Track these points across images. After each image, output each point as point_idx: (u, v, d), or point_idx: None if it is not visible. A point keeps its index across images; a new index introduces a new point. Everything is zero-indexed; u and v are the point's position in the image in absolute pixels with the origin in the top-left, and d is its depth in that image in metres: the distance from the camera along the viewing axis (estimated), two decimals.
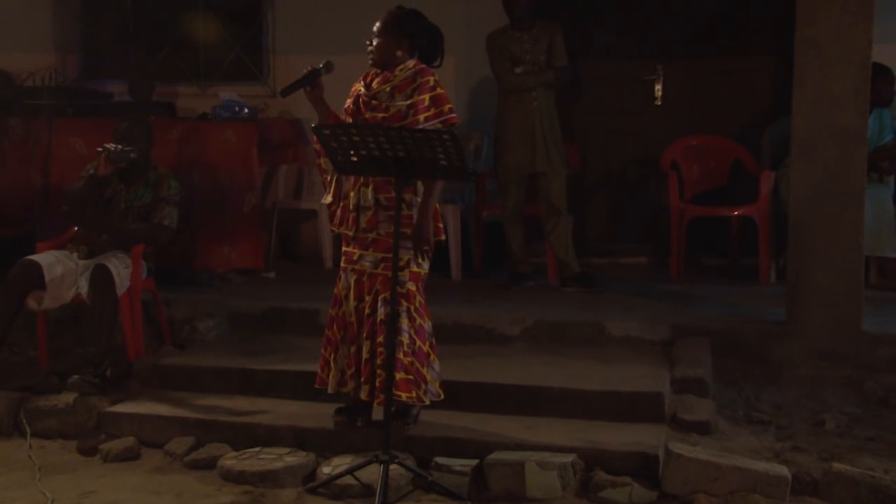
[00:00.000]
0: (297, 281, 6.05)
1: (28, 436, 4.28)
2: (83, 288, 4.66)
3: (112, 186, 4.96)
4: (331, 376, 3.99)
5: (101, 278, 4.59)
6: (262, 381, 4.49)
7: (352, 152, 3.59)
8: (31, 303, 4.70)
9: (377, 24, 3.90)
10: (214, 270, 5.88)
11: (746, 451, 3.87)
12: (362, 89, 3.92)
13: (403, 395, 3.82)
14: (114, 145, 4.75)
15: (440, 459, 3.77)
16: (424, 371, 3.90)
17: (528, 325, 4.91)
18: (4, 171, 5.94)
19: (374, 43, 3.89)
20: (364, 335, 3.89)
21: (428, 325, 3.96)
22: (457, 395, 4.07)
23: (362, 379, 3.89)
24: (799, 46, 4.51)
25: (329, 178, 3.97)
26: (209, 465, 3.95)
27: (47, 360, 4.84)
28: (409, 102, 3.81)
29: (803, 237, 4.58)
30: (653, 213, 6.52)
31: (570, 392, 4.17)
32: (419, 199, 3.85)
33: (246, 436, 4.09)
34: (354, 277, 3.92)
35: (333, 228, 4.00)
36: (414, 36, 3.90)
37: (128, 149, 4.77)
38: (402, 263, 3.82)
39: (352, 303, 3.92)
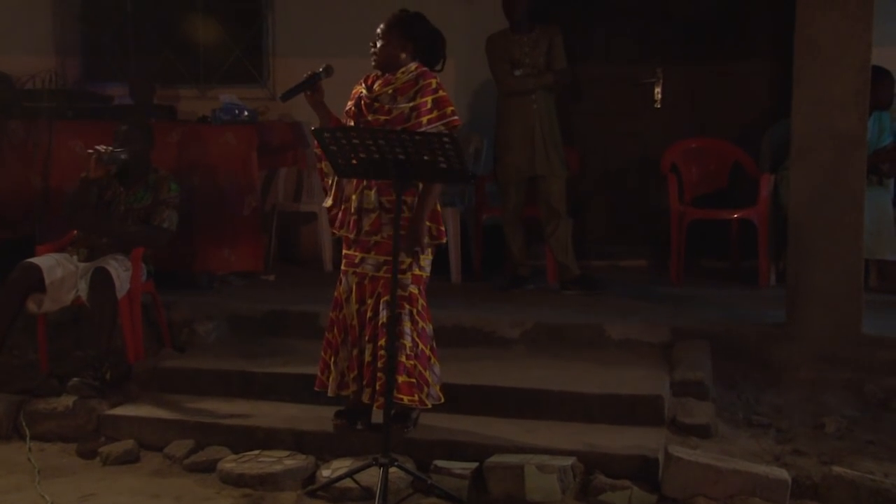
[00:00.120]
0: (296, 284, 6.05)
1: (28, 439, 4.28)
2: (83, 291, 4.66)
3: (112, 189, 4.97)
4: (331, 379, 3.99)
5: (101, 281, 4.59)
6: (262, 383, 4.49)
7: (352, 155, 3.59)
8: (31, 305, 4.70)
9: (381, 26, 3.91)
10: (214, 273, 5.88)
11: (746, 455, 3.87)
12: (364, 91, 3.92)
13: (406, 399, 3.82)
14: (105, 147, 4.74)
15: (440, 462, 3.77)
16: (426, 374, 3.90)
17: (528, 328, 4.91)
18: (4, 174, 5.94)
19: (378, 45, 3.90)
20: (366, 338, 3.89)
21: (429, 329, 3.96)
22: (456, 398, 4.07)
23: (364, 382, 3.90)
24: (798, 49, 4.52)
25: (330, 181, 3.97)
26: (209, 468, 3.95)
27: (47, 363, 4.84)
28: (411, 105, 3.81)
29: (803, 240, 4.58)
30: (652, 215, 6.52)
31: (570, 395, 4.17)
32: None
33: (245, 439, 4.09)
34: (356, 280, 3.92)
35: (334, 231, 4.00)
36: (418, 39, 3.91)
37: (118, 150, 4.76)
38: (404, 266, 3.82)
39: (353, 306, 3.92)
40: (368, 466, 3.62)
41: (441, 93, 3.84)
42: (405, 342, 3.83)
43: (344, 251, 3.99)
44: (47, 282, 4.65)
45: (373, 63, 3.93)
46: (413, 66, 3.89)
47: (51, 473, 3.98)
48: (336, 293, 3.99)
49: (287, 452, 3.96)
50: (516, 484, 3.63)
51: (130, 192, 4.96)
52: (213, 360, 4.78)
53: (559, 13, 6.33)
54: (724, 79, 6.61)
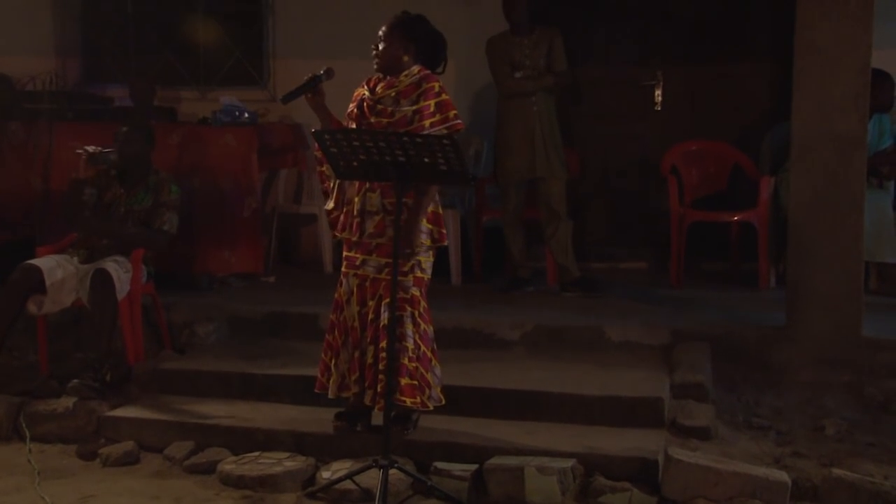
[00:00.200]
0: (296, 285, 6.05)
1: (28, 440, 4.28)
2: (83, 292, 4.66)
3: (112, 190, 4.97)
4: (332, 381, 3.98)
5: (101, 282, 4.59)
6: (262, 385, 4.49)
7: (352, 157, 3.59)
8: (32, 307, 4.70)
9: (383, 28, 3.91)
10: (214, 274, 5.89)
11: (746, 457, 3.87)
12: (366, 94, 3.92)
13: (408, 401, 3.82)
14: (94, 147, 4.73)
15: (440, 464, 3.77)
16: (428, 376, 3.90)
17: (528, 330, 4.91)
18: (5, 175, 5.95)
19: (380, 47, 3.90)
20: (367, 340, 3.89)
21: (430, 331, 3.96)
22: (456, 400, 4.06)
23: (366, 384, 3.90)
24: (798, 51, 4.52)
25: (331, 184, 3.97)
26: (208, 469, 3.95)
27: (47, 364, 4.84)
28: (414, 108, 3.81)
29: (803, 242, 4.58)
30: (652, 217, 6.52)
31: (570, 397, 4.17)
32: None
33: (245, 440, 4.09)
34: (357, 282, 3.92)
35: (336, 234, 4.00)
36: (419, 40, 3.91)
37: (107, 150, 4.75)
38: (406, 269, 3.82)
39: (354, 308, 3.92)
40: (368, 468, 3.62)
41: (444, 96, 3.84)
42: (407, 344, 3.83)
43: (345, 253, 3.98)
44: (48, 283, 4.66)
45: (375, 65, 3.93)
46: (416, 68, 3.89)
47: (51, 475, 3.98)
48: (336, 295, 3.99)
49: (287, 454, 3.96)
50: (516, 486, 3.63)
51: (131, 194, 4.97)
52: (213, 361, 4.78)
53: (559, 15, 6.33)
54: (724, 81, 6.61)
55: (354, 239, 3.89)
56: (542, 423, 4.09)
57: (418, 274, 3.89)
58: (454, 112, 3.84)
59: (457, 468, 3.73)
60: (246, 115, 5.97)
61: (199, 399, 4.46)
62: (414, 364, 3.85)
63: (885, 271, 5.72)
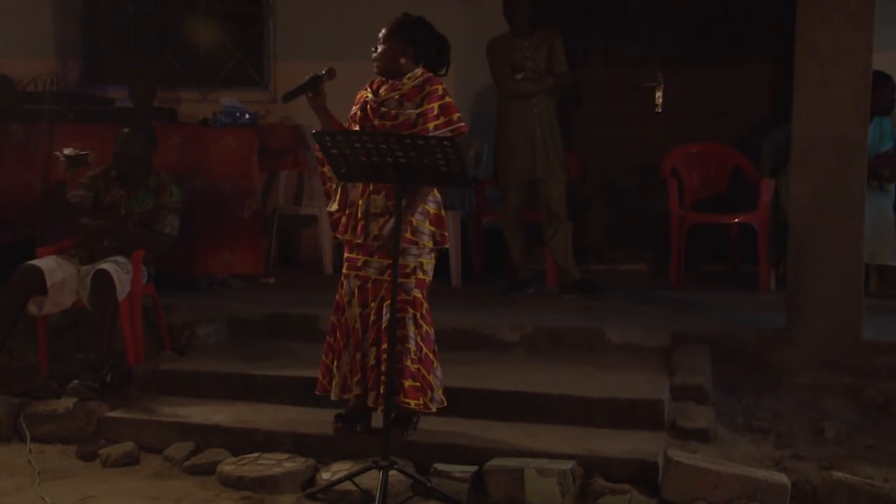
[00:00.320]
0: (296, 286, 6.05)
1: (28, 441, 4.28)
2: (83, 293, 4.66)
3: (112, 192, 4.98)
4: (334, 383, 3.98)
5: (102, 283, 4.59)
6: (262, 386, 4.49)
7: (353, 159, 3.60)
8: (32, 308, 4.70)
9: (383, 30, 3.91)
10: (214, 276, 5.89)
11: (746, 459, 3.87)
12: (370, 96, 3.92)
13: (412, 403, 3.82)
14: (70, 149, 4.72)
15: (439, 466, 3.77)
16: (430, 378, 3.90)
17: (528, 332, 4.91)
18: (5, 176, 5.95)
19: (379, 49, 3.90)
20: (369, 342, 3.89)
21: (432, 332, 3.96)
22: (456, 402, 4.06)
23: (368, 386, 3.89)
24: (799, 54, 4.52)
25: (334, 186, 3.97)
26: (208, 470, 3.95)
27: (47, 365, 4.84)
28: (418, 111, 3.81)
29: (803, 244, 4.58)
30: (653, 219, 6.52)
31: (570, 399, 4.17)
32: (425, 207, 3.86)
33: (245, 441, 4.09)
34: (358, 284, 3.92)
35: (338, 236, 3.99)
36: (419, 44, 3.91)
37: (84, 153, 4.73)
38: (408, 270, 3.83)
39: (356, 309, 3.92)
40: (368, 469, 3.62)
41: (447, 99, 3.84)
42: (409, 346, 3.83)
43: (346, 255, 3.98)
44: (48, 284, 4.66)
45: (375, 67, 3.93)
46: (419, 71, 3.89)
47: (51, 475, 3.98)
48: (337, 297, 3.99)
49: (287, 455, 3.96)
50: (516, 487, 3.63)
51: (131, 196, 4.97)
52: (212, 362, 4.78)
53: (560, 17, 6.33)
54: (725, 83, 6.61)
55: (359, 241, 3.88)
56: (542, 425, 4.09)
57: (420, 276, 3.89)
58: (458, 115, 3.85)
59: (457, 470, 3.73)
60: (246, 116, 5.97)
61: (199, 400, 4.46)
62: (416, 366, 3.85)
63: (885, 274, 5.72)
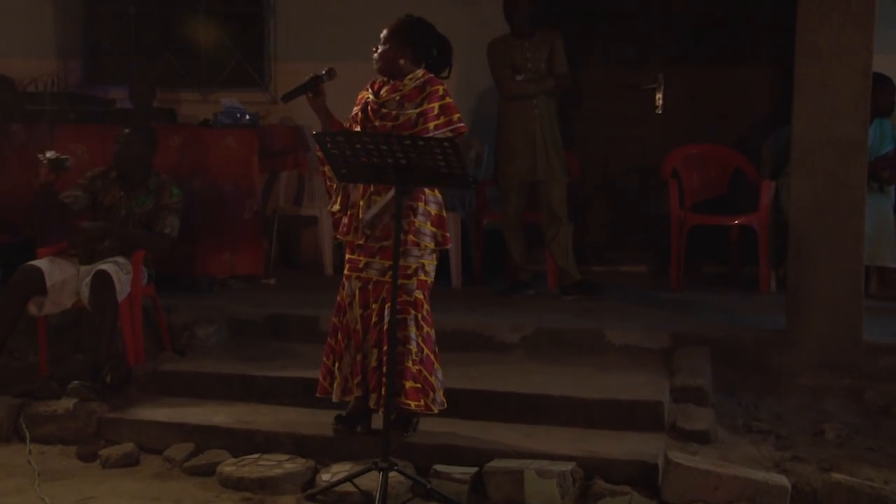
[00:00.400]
0: (297, 287, 6.05)
1: (28, 441, 4.28)
2: (84, 293, 4.66)
3: (112, 194, 4.98)
4: (335, 385, 3.97)
5: (102, 284, 4.59)
6: (262, 387, 4.49)
7: (353, 160, 3.60)
8: (32, 308, 4.70)
9: (384, 30, 3.92)
10: (215, 276, 5.89)
11: (746, 461, 3.87)
12: (370, 97, 3.92)
13: (413, 405, 3.81)
14: (52, 153, 4.72)
15: (439, 467, 3.77)
16: (431, 379, 3.90)
17: (528, 333, 4.91)
18: (6, 177, 5.95)
19: (380, 50, 3.90)
20: (371, 343, 3.89)
21: (433, 333, 3.96)
22: (456, 403, 4.06)
23: (370, 387, 3.89)
24: (799, 55, 4.52)
25: (335, 185, 3.97)
26: (208, 471, 3.95)
27: (47, 366, 4.84)
28: (418, 111, 3.81)
29: (803, 246, 4.58)
30: (653, 221, 6.52)
31: (570, 400, 4.17)
32: (427, 208, 3.86)
33: (245, 442, 4.09)
34: (359, 285, 3.92)
35: (339, 237, 4.00)
36: (418, 45, 3.91)
37: (64, 157, 4.72)
38: (409, 272, 3.83)
39: (357, 311, 3.92)
40: (368, 471, 3.62)
41: (448, 99, 3.84)
42: (411, 347, 3.83)
43: (347, 256, 3.98)
44: (48, 284, 4.66)
45: (375, 67, 3.93)
46: (420, 72, 3.89)
47: (51, 476, 3.98)
48: (339, 298, 3.98)
49: (287, 456, 3.96)
50: (516, 489, 3.63)
51: (131, 197, 4.97)
52: (213, 363, 4.78)
53: (560, 18, 6.34)
54: (725, 84, 6.61)
55: (361, 242, 3.89)
56: (542, 427, 4.09)
57: (422, 277, 3.89)
58: (458, 115, 3.85)
59: (456, 471, 3.73)
60: (247, 117, 5.97)
61: (199, 401, 4.47)
62: (417, 367, 3.85)
63: (885, 275, 5.72)
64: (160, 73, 7.06)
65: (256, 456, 3.98)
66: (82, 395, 4.42)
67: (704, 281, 6.21)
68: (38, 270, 4.66)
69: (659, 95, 6.68)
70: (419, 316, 3.87)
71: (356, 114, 3.95)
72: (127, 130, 5.04)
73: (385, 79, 3.93)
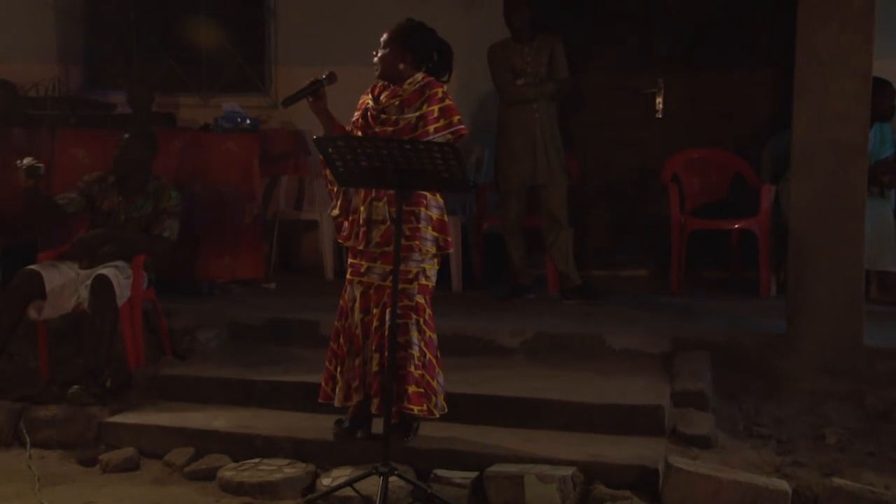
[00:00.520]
0: (297, 292, 6.05)
1: (28, 446, 4.27)
2: (84, 297, 4.66)
3: (110, 198, 4.98)
4: (338, 390, 3.96)
5: (102, 288, 4.60)
6: (262, 391, 4.49)
7: (353, 165, 3.60)
8: (32, 312, 4.71)
9: (385, 34, 3.92)
10: (215, 280, 5.89)
11: (747, 466, 3.86)
12: (370, 102, 3.92)
13: (415, 409, 3.81)
14: (28, 159, 4.72)
15: (440, 472, 3.76)
16: (433, 384, 3.90)
17: (529, 338, 4.91)
18: (7, 181, 5.94)
19: (379, 54, 3.91)
20: (372, 348, 3.88)
21: (435, 338, 3.96)
22: (457, 407, 4.05)
23: (372, 392, 3.89)
24: (800, 59, 4.52)
25: (336, 189, 3.97)
26: (208, 476, 3.95)
27: (47, 370, 4.84)
28: (418, 114, 3.82)
29: (804, 250, 4.58)
30: (653, 225, 6.52)
31: (570, 405, 4.16)
32: (428, 212, 3.86)
33: (245, 447, 4.08)
34: (361, 290, 3.92)
35: (341, 241, 4.00)
36: (418, 49, 3.91)
37: (38, 165, 4.72)
38: (411, 276, 3.83)
39: (357, 315, 3.92)
40: (368, 475, 3.62)
41: (447, 101, 3.84)
42: (413, 352, 3.83)
43: (349, 260, 3.98)
44: (48, 288, 4.66)
45: (375, 72, 3.94)
46: (419, 76, 3.90)
47: (51, 481, 3.98)
48: (341, 302, 3.98)
49: (287, 461, 3.96)
50: (516, 493, 3.63)
51: (129, 201, 4.97)
52: (213, 367, 4.78)
53: (561, 22, 6.34)
54: (725, 88, 6.62)
55: (361, 248, 3.89)
56: (543, 431, 4.09)
57: (423, 282, 3.89)
58: (458, 117, 3.85)
59: (457, 476, 3.73)
60: (247, 121, 5.98)
61: (199, 405, 4.46)
62: (420, 371, 3.84)
63: (886, 280, 5.72)
64: (161, 77, 7.07)
65: (257, 460, 3.98)
66: (82, 399, 4.42)
67: (705, 285, 6.21)
68: (38, 274, 4.67)
69: (659, 99, 6.69)
70: (421, 320, 3.87)
71: (357, 119, 3.96)
72: (127, 135, 5.04)
73: (385, 83, 3.93)
